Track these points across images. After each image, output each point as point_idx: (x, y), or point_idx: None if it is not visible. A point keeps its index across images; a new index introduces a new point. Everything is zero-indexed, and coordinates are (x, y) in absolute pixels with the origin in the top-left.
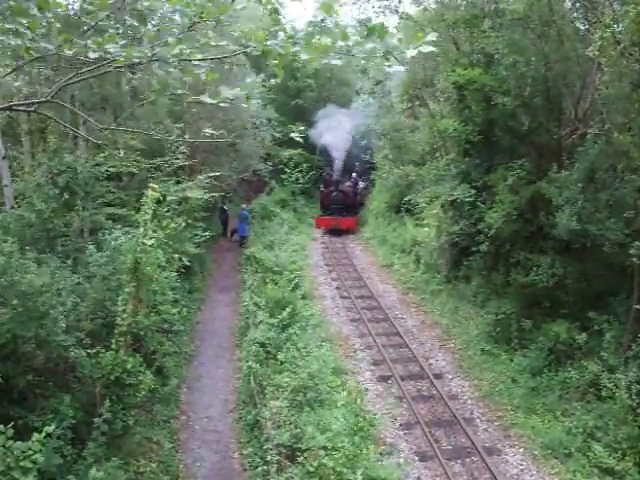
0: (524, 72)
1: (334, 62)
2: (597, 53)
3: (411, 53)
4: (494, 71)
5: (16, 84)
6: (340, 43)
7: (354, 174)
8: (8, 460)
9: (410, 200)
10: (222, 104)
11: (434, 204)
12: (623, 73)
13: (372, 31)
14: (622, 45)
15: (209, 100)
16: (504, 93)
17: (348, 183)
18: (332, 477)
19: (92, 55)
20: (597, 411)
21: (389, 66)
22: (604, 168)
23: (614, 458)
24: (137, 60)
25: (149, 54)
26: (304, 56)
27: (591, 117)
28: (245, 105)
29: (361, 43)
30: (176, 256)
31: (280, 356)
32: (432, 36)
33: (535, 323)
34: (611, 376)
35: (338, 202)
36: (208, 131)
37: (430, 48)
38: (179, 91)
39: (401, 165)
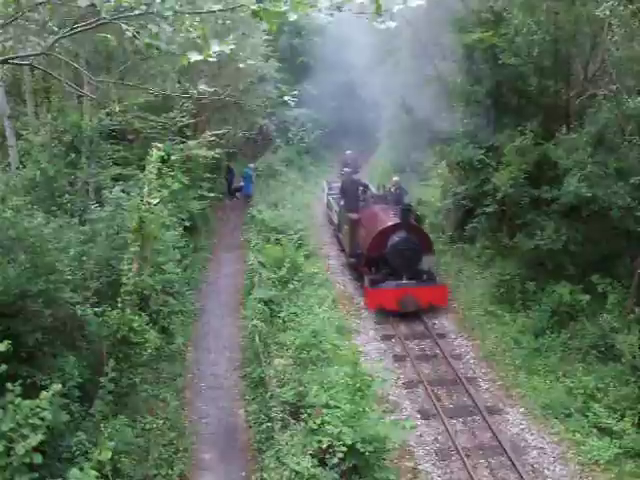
0: (534, 32)
1: (326, 17)
2: (608, 13)
3: (398, 7)
4: (503, 31)
5: (7, 43)
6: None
7: (395, 178)
8: (17, 417)
9: (416, 161)
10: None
11: (440, 164)
12: (634, 34)
13: None
14: (634, 5)
15: (197, 56)
16: (513, 53)
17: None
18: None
19: (82, 3)
20: (598, 373)
21: (382, 22)
22: (613, 131)
23: (613, 419)
24: (127, 4)
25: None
26: (293, 16)
27: (600, 79)
28: (241, 65)
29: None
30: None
31: (283, 314)
32: None
33: (539, 285)
34: (616, 337)
35: (410, 253)
36: (203, 87)
37: (419, 2)
38: (163, 45)
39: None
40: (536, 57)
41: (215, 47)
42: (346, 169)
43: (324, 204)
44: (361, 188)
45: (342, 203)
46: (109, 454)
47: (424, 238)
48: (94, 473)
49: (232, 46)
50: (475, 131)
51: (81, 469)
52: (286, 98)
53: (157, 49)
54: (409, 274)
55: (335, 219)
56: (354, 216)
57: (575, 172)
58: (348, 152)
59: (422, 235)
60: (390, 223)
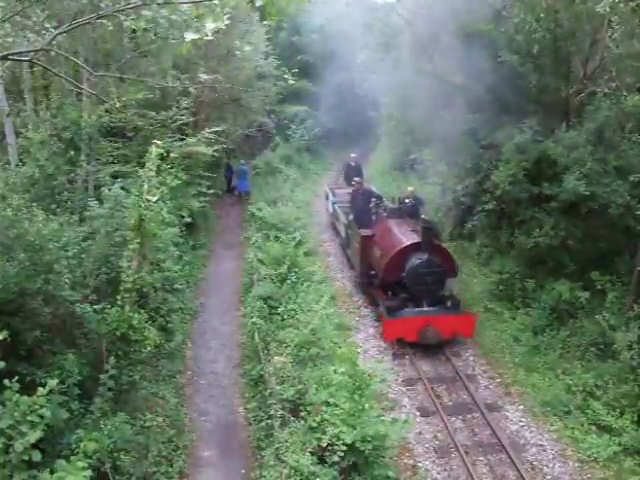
0: (533, 29)
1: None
2: (608, 10)
3: None
4: (502, 28)
5: (9, 39)
6: None
7: (411, 189)
8: (15, 414)
9: (415, 158)
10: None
11: (439, 162)
12: (634, 31)
13: None
14: (634, 2)
15: (192, 35)
16: (513, 51)
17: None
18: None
19: None
20: (597, 370)
21: None
22: (612, 129)
23: (612, 416)
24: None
25: None
26: None
27: (600, 76)
28: (238, 52)
29: None
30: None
31: (281, 310)
32: None
33: (538, 282)
34: (614, 335)
35: (433, 278)
36: (203, 76)
37: None
38: (160, 29)
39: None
40: (536, 54)
41: (210, 25)
42: (357, 179)
43: (326, 209)
44: (374, 200)
45: (351, 217)
46: (93, 446)
47: (447, 259)
48: (81, 464)
49: (227, 22)
50: (475, 128)
51: (68, 460)
52: (286, 76)
53: (155, 34)
54: (431, 300)
55: (342, 232)
56: (366, 232)
57: (575, 169)
58: (352, 155)
59: (445, 256)
60: (408, 242)
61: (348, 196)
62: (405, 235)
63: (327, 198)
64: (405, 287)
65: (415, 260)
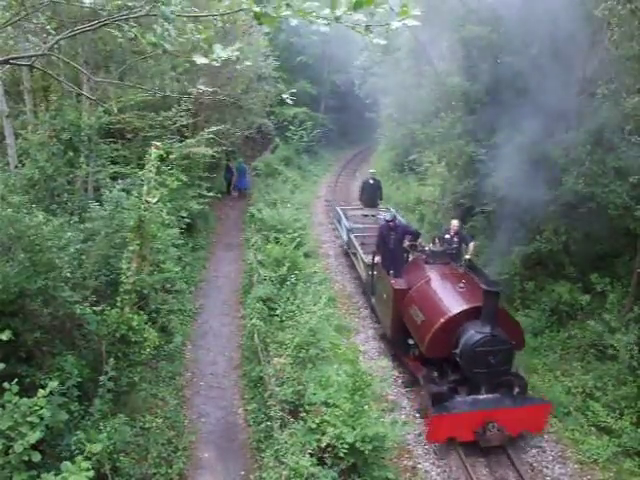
0: (532, 31)
1: (322, 29)
2: (607, 13)
3: (396, 25)
4: (502, 29)
5: (10, 42)
6: (326, 11)
7: (455, 223)
8: (15, 416)
9: (414, 160)
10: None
11: (438, 163)
12: (633, 33)
13: (359, 5)
14: (633, 4)
15: (202, 60)
16: (511, 52)
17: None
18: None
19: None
20: (597, 371)
21: (371, 41)
22: (611, 130)
23: (612, 417)
24: (133, 11)
25: (147, 7)
26: (294, 22)
27: (599, 78)
28: (238, 67)
29: (348, 12)
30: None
31: (281, 312)
32: (417, 11)
33: (538, 284)
34: (614, 337)
35: (498, 359)
36: (202, 87)
37: (415, 22)
38: (168, 46)
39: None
40: (535, 55)
41: (221, 53)
42: (391, 213)
43: (338, 233)
44: (408, 237)
45: (378, 258)
46: (99, 447)
47: (514, 329)
48: (85, 465)
49: (237, 53)
50: (474, 130)
51: (73, 462)
52: (284, 96)
53: (163, 51)
54: (491, 385)
55: (362, 272)
56: (399, 284)
57: (573, 169)
58: (371, 171)
59: (512, 325)
60: (462, 308)
61: (363, 218)
62: (455, 295)
63: (339, 221)
64: (456, 365)
65: (473, 334)
